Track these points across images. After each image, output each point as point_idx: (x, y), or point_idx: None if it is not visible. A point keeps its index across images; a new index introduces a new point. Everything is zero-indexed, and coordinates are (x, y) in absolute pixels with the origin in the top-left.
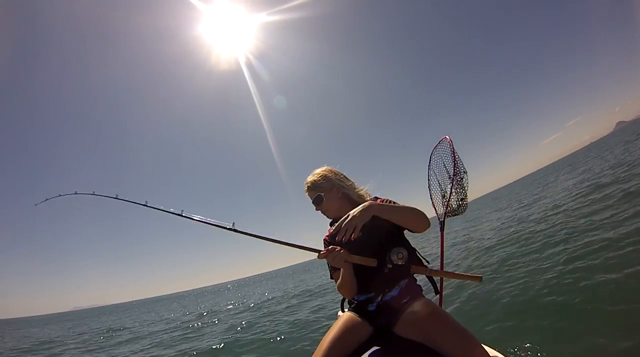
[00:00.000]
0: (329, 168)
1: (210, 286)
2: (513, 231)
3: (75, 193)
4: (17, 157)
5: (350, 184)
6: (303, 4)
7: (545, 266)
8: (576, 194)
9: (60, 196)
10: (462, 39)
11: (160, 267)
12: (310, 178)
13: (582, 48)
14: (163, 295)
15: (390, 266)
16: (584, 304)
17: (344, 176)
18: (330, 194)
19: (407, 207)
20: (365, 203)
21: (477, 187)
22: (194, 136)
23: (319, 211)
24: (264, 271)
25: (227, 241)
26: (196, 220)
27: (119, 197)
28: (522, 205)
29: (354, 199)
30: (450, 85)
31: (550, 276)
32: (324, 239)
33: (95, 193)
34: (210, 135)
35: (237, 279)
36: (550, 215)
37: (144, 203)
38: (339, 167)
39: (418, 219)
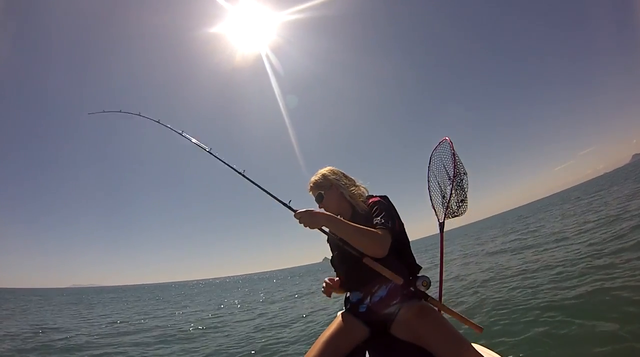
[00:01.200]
0: (330, 168)
1: (219, 278)
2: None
3: (156, 120)
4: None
5: (346, 183)
6: (322, 4)
7: (541, 267)
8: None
9: (141, 115)
10: (480, 53)
11: (166, 255)
12: (312, 178)
13: (599, 77)
14: (165, 282)
15: (412, 289)
16: (579, 306)
17: (342, 175)
18: (329, 192)
19: (362, 230)
20: (324, 214)
21: (486, 207)
22: (214, 132)
23: (322, 208)
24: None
25: (245, 236)
26: (256, 185)
27: (184, 134)
28: (524, 231)
29: (346, 198)
30: (465, 97)
31: (546, 277)
32: None
33: (160, 121)
34: (229, 132)
35: (245, 273)
36: (550, 244)
37: (209, 150)
38: (344, 166)
39: (365, 245)
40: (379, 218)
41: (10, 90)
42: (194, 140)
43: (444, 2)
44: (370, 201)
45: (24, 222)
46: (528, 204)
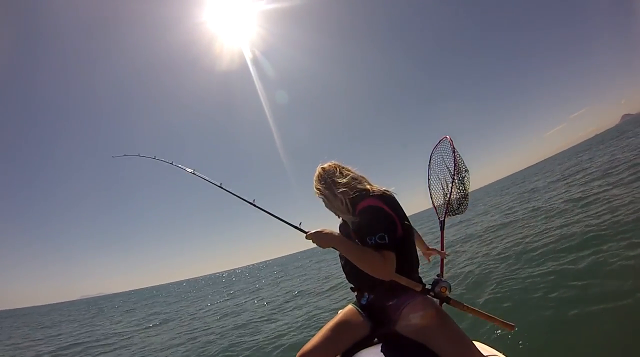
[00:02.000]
0: (318, 172)
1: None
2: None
3: (155, 158)
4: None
5: (327, 188)
6: None
7: (541, 263)
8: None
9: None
10: (468, 29)
11: (168, 255)
12: (316, 173)
13: (586, 39)
14: (169, 282)
15: (432, 294)
16: (580, 300)
17: (327, 178)
18: (327, 198)
19: (366, 256)
20: (333, 236)
21: (481, 176)
22: (198, 124)
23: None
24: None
25: (246, 225)
26: (267, 212)
27: (195, 173)
28: (516, 199)
29: (338, 200)
30: (455, 73)
31: (546, 272)
32: None
33: (174, 163)
34: (213, 123)
35: (249, 264)
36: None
37: (219, 184)
38: (334, 157)
39: (370, 270)
40: (372, 238)
41: (8, 93)
42: (205, 177)
43: None
44: (360, 207)
45: (21, 237)
46: (519, 171)
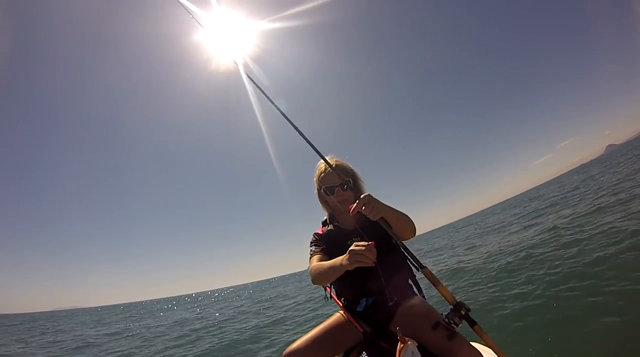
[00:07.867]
0: (343, 163)
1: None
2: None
3: None
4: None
5: (363, 187)
6: (305, 11)
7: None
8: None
9: None
10: (461, 55)
11: (151, 270)
12: (338, 160)
13: (575, 70)
14: (153, 299)
15: (463, 311)
16: (574, 302)
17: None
18: (356, 184)
19: (406, 215)
20: (382, 203)
21: (472, 203)
22: (192, 141)
23: (330, 197)
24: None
25: (228, 245)
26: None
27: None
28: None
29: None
30: (445, 101)
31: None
32: (317, 233)
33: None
34: (208, 139)
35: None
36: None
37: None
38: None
39: (411, 228)
40: None
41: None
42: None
43: (430, 7)
44: None
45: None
46: (502, 202)
